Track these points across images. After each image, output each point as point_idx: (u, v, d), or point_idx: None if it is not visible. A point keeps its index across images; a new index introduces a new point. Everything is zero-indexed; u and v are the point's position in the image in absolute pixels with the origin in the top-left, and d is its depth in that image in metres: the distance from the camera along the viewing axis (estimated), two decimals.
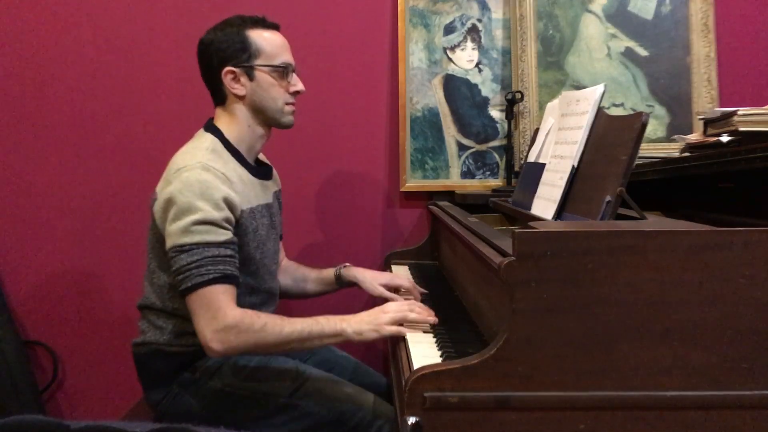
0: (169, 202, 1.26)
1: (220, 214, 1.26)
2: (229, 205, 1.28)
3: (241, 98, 1.39)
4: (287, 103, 1.42)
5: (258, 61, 1.38)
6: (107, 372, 2.16)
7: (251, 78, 1.38)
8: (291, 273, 1.69)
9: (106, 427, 0.80)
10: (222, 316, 1.20)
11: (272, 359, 1.40)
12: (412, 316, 1.28)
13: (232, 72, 1.38)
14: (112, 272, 2.15)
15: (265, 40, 1.39)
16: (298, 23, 2.10)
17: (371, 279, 1.59)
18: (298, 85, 1.43)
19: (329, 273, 1.66)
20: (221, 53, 1.37)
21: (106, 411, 2.16)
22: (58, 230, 2.14)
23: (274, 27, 1.44)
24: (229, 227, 1.28)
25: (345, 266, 1.66)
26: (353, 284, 1.63)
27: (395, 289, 1.58)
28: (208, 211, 1.24)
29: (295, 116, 1.45)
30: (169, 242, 1.25)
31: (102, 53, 2.11)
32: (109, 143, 2.13)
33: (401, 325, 1.27)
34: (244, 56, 1.37)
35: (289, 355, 1.51)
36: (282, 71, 1.40)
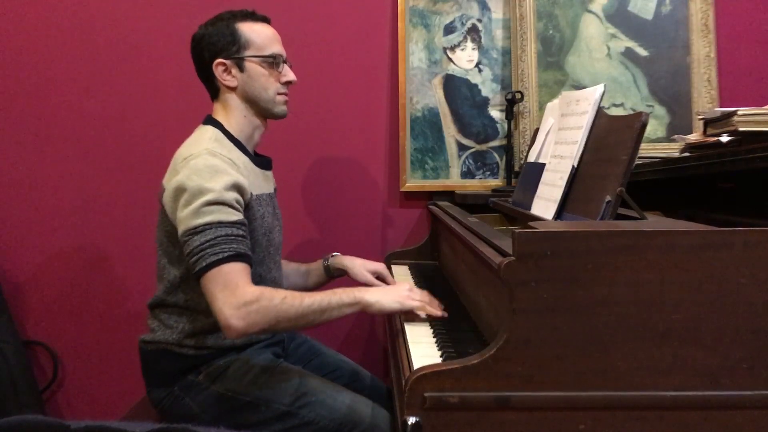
0: (179, 190, 1.27)
1: (231, 195, 1.27)
2: (239, 188, 1.30)
3: (233, 89, 1.41)
4: (279, 93, 1.44)
5: (248, 53, 1.40)
6: (107, 372, 2.17)
7: (242, 69, 1.40)
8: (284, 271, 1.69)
9: (106, 427, 0.80)
10: (241, 293, 1.19)
11: (276, 365, 1.40)
12: (430, 309, 1.32)
13: (223, 64, 1.40)
14: (112, 272, 2.15)
15: (254, 32, 1.41)
16: (299, 23, 2.10)
17: (360, 265, 1.63)
18: (289, 75, 1.45)
19: (317, 265, 1.68)
20: (212, 46, 1.40)
21: (106, 411, 2.16)
22: (58, 230, 2.14)
23: (264, 20, 1.46)
24: (240, 209, 1.29)
25: (333, 255, 1.67)
26: (342, 274, 1.65)
27: (381, 280, 1.61)
28: (219, 191, 1.25)
29: (288, 106, 1.47)
30: (181, 228, 1.25)
31: (103, 51, 2.11)
32: (109, 142, 2.13)
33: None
34: (234, 48, 1.39)
35: (290, 359, 1.51)
36: (272, 62, 1.42)
